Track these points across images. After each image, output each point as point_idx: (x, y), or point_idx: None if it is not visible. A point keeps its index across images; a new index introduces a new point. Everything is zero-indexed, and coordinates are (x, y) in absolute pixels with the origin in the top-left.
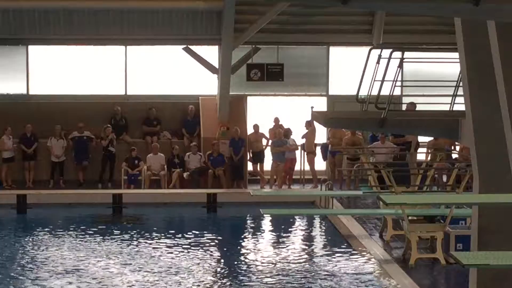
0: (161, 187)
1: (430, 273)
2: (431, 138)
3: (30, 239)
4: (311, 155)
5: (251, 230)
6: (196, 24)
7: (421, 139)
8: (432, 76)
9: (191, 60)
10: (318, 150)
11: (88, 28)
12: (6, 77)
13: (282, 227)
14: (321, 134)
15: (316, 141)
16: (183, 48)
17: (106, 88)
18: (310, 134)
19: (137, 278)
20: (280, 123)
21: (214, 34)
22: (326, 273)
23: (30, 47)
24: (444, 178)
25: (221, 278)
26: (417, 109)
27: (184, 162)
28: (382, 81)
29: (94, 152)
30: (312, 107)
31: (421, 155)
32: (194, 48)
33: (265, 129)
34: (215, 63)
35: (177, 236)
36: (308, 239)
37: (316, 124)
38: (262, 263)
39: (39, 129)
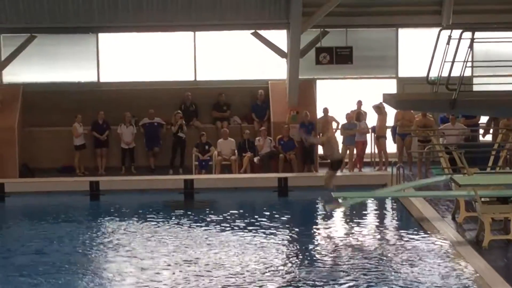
0: (232, 172)
1: (504, 255)
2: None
3: (106, 225)
4: (381, 139)
5: (323, 213)
6: (264, 8)
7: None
8: (504, 56)
9: (259, 44)
10: (389, 133)
11: (157, 14)
12: (77, 65)
13: (353, 210)
14: (390, 117)
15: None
16: (252, 33)
17: (175, 75)
18: (380, 118)
19: (213, 261)
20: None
21: (283, 18)
22: (398, 255)
23: (100, 35)
24: None
25: (294, 261)
26: (488, 89)
27: (254, 146)
28: (453, 62)
29: (165, 138)
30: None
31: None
32: (262, 32)
33: (334, 113)
34: (284, 47)
35: (249, 220)
36: (380, 221)
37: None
38: (335, 245)
39: (110, 116)
